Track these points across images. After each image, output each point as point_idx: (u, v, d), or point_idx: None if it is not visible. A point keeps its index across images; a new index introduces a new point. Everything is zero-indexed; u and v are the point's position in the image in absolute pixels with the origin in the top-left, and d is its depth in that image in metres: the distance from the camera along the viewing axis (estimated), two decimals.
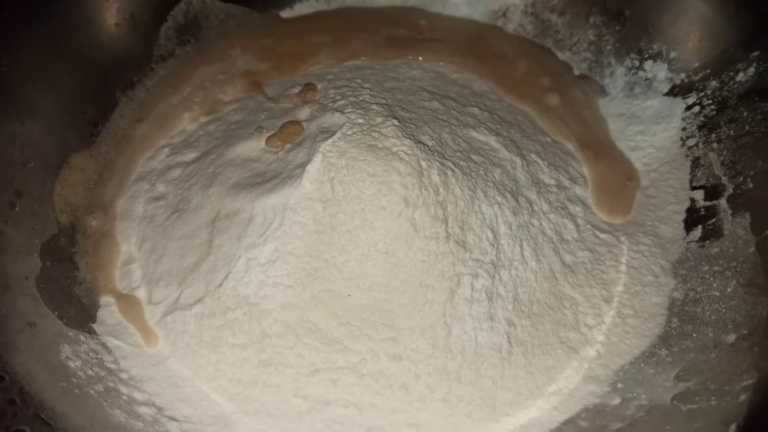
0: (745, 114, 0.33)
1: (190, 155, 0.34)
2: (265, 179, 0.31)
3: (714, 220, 0.33)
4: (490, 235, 0.30)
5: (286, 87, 0.38)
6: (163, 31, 0.38)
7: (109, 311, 0.29)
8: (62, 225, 0.31)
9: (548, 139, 0.37)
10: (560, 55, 0.41)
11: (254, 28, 0.41)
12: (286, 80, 0.39)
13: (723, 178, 0.33)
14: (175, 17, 0.38)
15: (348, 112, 0.32)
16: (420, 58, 0.40)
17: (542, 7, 0.41)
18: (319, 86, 0.37)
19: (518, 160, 0.34)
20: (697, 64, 0.36)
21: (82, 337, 0.26)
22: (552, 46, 0.41)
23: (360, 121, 0.31)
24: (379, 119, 0.31)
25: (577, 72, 0.41)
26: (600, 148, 0.38)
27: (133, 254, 0.31)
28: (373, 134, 0.30)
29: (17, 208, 0.29)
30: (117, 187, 0.34)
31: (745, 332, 0.26)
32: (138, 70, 0.37)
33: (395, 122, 0.31)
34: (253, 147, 0.33)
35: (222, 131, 0.35)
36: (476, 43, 0.41)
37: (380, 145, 0.30)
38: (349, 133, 0.30)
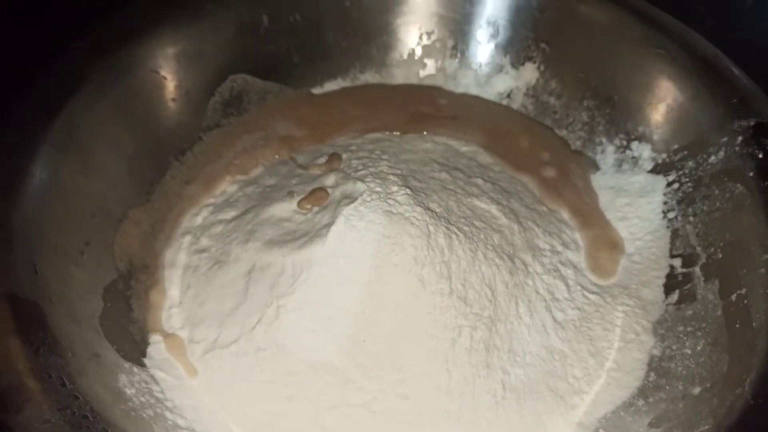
0: (716, 192, 0.37)
1: (231, 213, 0.39)
2: (296, 237, 0.36)
3: (689, 285, 0.37)
4: (489, 293, 0.35)
5: (315, 155, 0.43)
6: (211, 105, 0.44)
7: (157, 348, 0.33)
8: (120, 271, 0.36)
9: (545, 207, 0.42)
10: (558, 132, 0.46)
11: (292, 100, 0.47)
12: (314, 149, 0.45)
13: (698, 248, 0.37)
14: (222, 93, 0.45)
15: (368, 181, 0.37)
16: (435, 133, 0.45)
17: (542, 90, 0.47)
18: (344, 156, 0.42)
19: (516, 227, 0.38)
20: (676, 146, 0.40)
21: (135, 369, 0.31)
22: (551, 124, 0.47)
23: (378, 189, 0.36)
24: (395, 188, 0.36)
25: (573, 147, 0.46)
26: (591, 217, 0.42)
27: (178, 299, 0.36)
28: (389, 201, 0.35)
29: (85, 255, 0.34)
30: (166, 239, 0.39)
31: (708, 385, 0.30)
32: (188, 138, 0.43)
33: (408, 191, 0.36)
34: (285, 208, 0.38)
35: (258, 193, 0.41)
36: (486, 119, 0.47)
37: (394, 211, 0.35)
38: (368, 199, 0.35)
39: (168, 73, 0.42)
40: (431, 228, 0.34)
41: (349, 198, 0.36)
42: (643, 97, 0.42)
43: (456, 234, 0.35)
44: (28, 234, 0.31)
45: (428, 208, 0.35)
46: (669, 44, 0.41)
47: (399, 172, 0.39)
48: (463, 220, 0.37)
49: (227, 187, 0.42)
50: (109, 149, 0.38)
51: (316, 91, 0.49)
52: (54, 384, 0.26)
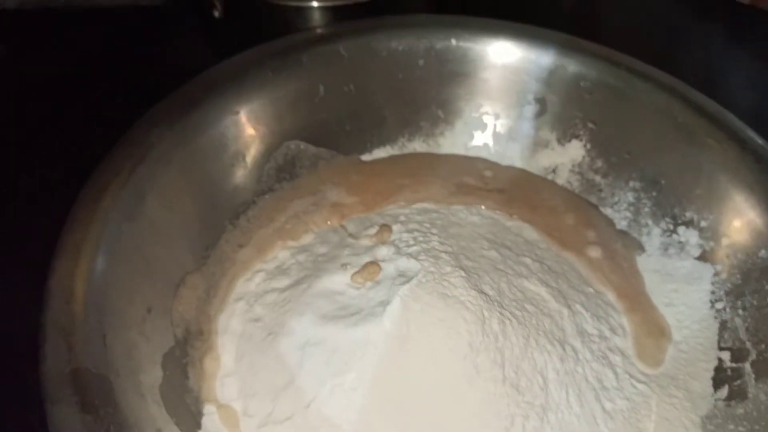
0: (767, 287, 0.38)
1: (284, 282, 0.40)
2: (350, 312, 0.36)
3: (739, 381, 0.37)
4: (540, 380, 0.35)
5: (365, 225, 0.44)
6: (266, 170, 0.45)
7: (211, 419, 0.34)
8: (177, 338, 0.36)
9: (591, 289, 0.42)
10: (603, 210, 0.47)
11: (342, 167, 0.48)
12: (364, 217, 0.46)
13: (747, 343, 0.38)
14: (276, 158, 0.46)
15: (421, 260, 0.38)
16: (482, 207, 0.46)
17: (587, 168, 0.48)
18: (394, 227, 0.43)
19: (565, 311, 0.39)
20: (725, 237, 0.41)
21: None
22: (596, 202, 0.47)
23: (432, 269, 0.37)
24: (448, 268, 0.37)
25: (618, 227, 0.46)
26: (637, 301, 0.42)
27: (232, 368, 0.37)
28: (444, 283, 0.36)
29: (147, 323, 0.35)
30: (220, 304, 0.40)
31: None
32: (243, 202, 0.44)
33: (462, 273, 0.37)
34: (338, 281, 0.39)
35: (311, 262, 0.41)
36: (531, 194, 0.48)
37: (450, 294, 0.35)
38: (424, 280, 0.36)
39: (229, 140, 0.43)
40: (486, 313, 0.35)
41: (404, 276, 0.37)
42: (690, 185, 0.43)
43: (509, 319, 0.35)
44: (99, 305, 0.31)
45: (482, 291, 0.36)
46: (719, 134, 0.41)
47: (450, 249, 0.40)
48: (514, 303, 0.37)
49: (279, 252, 0.43)
50: (172, 214, 0.39)
51: (366, 157, 0.50)
52: None
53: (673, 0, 0.70)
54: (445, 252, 0.39)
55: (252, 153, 0.45)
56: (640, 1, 0.72)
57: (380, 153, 0.50)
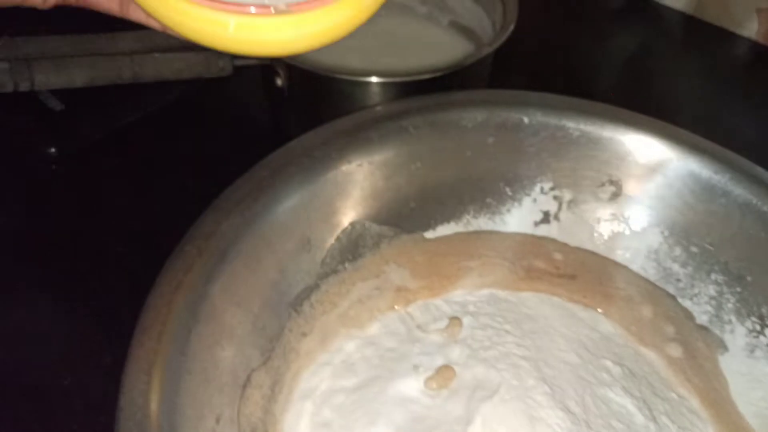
0: None
1: (352, 380, 0.38)
2: (426, 427, 0.34)
3: None
4: None
5: (432, 314, 0.43)
6: (329, 251, 0.44)
7: None
8: None
9: (674, 395, 0.40)
10: (682, 302, 0.45)
11: (406, 246, 0.46)
12: (430, 303, 0.44)
13: None
14: (341, 239, 0.44)
15: (501, 369, 0.36)
16: (554, 296, 0.44)
17: (665, 256, 0.45)
18: (464, 321, 0.41)
19: (652, 426, 0.36)
20: None
21: None
22: (674, 292, 0.45)
23: (514, 382, 0.35)
24: (531, 381, 0.35)
25: (698, 321, 0.44)
26: (723, 409, 0.40)
27: None
28: (528, 401, 0.34)
29: None
30: (285, 402, 0.38)
31: None
32: (307, 287, 0.42)
33: (547, 388, 0.35)
34: (411, 386, 0.37)
35: (379, 358, 0.40)
36: (604, 281, 0.46)
37: (536, 415, 0.33)
38: (507, 398, 0.34)
39: (294, 223, 0.42)
40: None
41: (483, 389, 0.35)
42: None
43: None
44: (171, 425, 0.30)
45: (568, 410, 0.34)
46: None
47: (528, 353, 0.38)
48: (600, 421, 0.35)
49: (344, 343, 0.41)
50: (238, 310, 0.38)
51: (429, 234, 0.48)
52: None
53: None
54: (524, 358, 0.37)
55: (317, 235, 0.43)
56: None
57: (444, 230, 0.48)
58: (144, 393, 0.30)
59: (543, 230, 0.49)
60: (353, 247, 0.46)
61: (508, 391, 0.34)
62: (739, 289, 0.43)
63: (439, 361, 0.38)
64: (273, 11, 0.25)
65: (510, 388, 0.34)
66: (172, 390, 0.31)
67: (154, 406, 0.30)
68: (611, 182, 0.47)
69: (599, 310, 0.44)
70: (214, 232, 0.37)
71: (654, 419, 0.37)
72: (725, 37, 0.75)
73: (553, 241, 0.49)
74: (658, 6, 0.78)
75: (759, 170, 0.43)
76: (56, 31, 0.50)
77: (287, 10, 0.25)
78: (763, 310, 0.41)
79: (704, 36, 0.75)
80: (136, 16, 0.28)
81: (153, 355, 0.32)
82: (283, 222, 0.41)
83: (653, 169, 0.45)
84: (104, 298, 0.47)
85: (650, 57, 0.73)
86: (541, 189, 0.48)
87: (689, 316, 0.44)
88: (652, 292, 0.45)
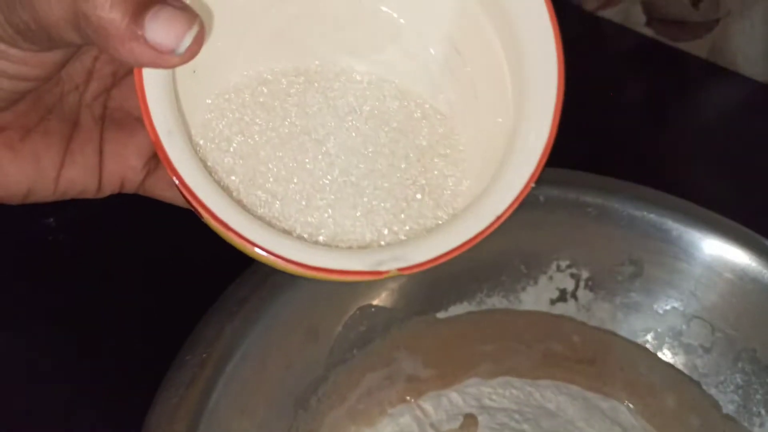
0: None
1: None
2: None
3: None
4: None
5: (446, 410, 0.41)
6: (337, 340, 0.42)
7: None
8: None
9: None
10: (706, 390, 0.43)
11: (417, 329, 0.44)
12: (443, 393, 0.42)
13: None
14: (348, 325, 0.43)
15: None
16: (572, 384, 0.42)
17: (688, 340, 0.43)
18: (480, 419, 0.39)
19: None
20: None
21: None
22: (698, 378, 0.43)
23: None
24: None
25: (724, 411, 0.42)
26: None
27: None
28: None
29: None
30: None
31: None
32: (315, 379, 0.41)
33: None
34: None
35: None
36: (626, 366, 0.44)
37: None
38: None
39: (299, 314, 0.40)
40: None
41: None
42: None
43: None
44: None
45: None
46: None
47: None
48: None
49: None
50: (242, 417, 0.36)
51: (441, 315, 0.46)
52: None
53: None
54: None
55: (326, 323, 0.42)
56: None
57: (456, 310, 0.46)
58: None
59: (560, 309, 0.47)
60: (362, 333, 0.44)
61: None
62: None
63: None
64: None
65: None
66: None
67: None
68: (632, 261, 0.45)
69: (621, 399, 0.42)
70: (217, 337, 0.36)
71: None
72: None
73: (571, 320, 0.46)
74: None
75: None
76: None
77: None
78: None
79: None
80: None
81: None
82: (287, 315, 0.40)
83: (676, 252, 0.43)
84: (112, 380, 0.45)
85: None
86: (558, 266, 0.46)
87: (715, 405, 0.42)
88: (676, 378, 0.43)
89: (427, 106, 0.27)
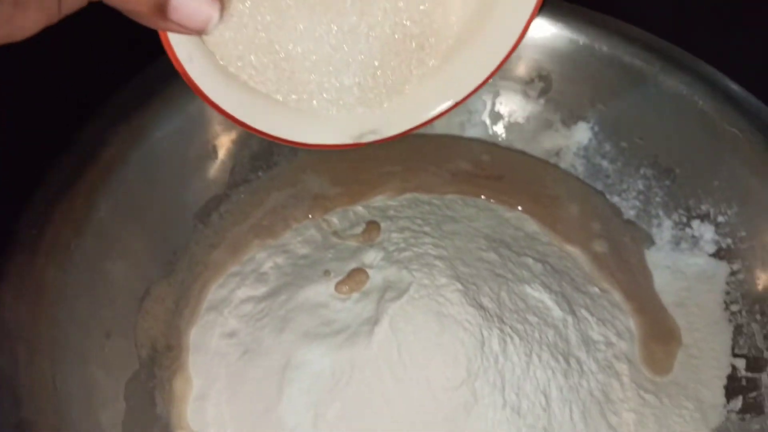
0: None
1: (261, 290, 0.36)
2: (334, 330, 0.33)
3: (755, 394, 0.34)
4: (543, 400, 0.32)
5: (351, 221, 0.40)
6: (239, 159, 0.41)
7: None
8: (142, 359, 0.33)
9: (596, 289, 0.39)
10: (610, 198, 0.43)
11: (325, 152, 0.43)
12: (349, 210, 0.42)
13: (765, 351, 0.35)
14: (251, 145, 0.41)
15: (413, 269, 0.34)
16: (481, 197, 0.42)
17: (594, 152, 0.44)
18: (382, 225, 0.39)
19: (570, 318, 0.35)
20: (743, 233, 0.37)
21: None
22: (602, 189, 0.43)
23: (425, 281, 0.33)
24: (443, 280, 0.33)
25: (625, 216, 0.43)
26: (645, 301, 0.39)
27: (205, 390, 0.33)
28: (438, 299, 0.32)
29: (106, 349, 0.31)
30: (191, 316, 0.36)
31: None
32: (215, 197, 0.40)
33: (459, 285, 0.33)
34: (321, 292, 0.35)
35: (291, 266, 0.38)
36: (532, 181, 0.44)
37: (445, 312, 0.32)
38: (416, 296, 0.32)
39: (196, 128, 0.39)
40: (485, 332, 0.31)
41: (394, 290, 0.33)
42: (708, 176, 0.39)
43: (510, 336, 0.32)
44: (51, 341, 0.28)
45: (481, 306, 0.33)
46: (745, 123, 0.37)
47: (445, 253, 0.36)
48: (516, 315, 0.34)
49: (256, 253, 0.39)
50: (131, 222, 0.35)
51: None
52: None
53: None
54: (440, 258, 0.35)
55: (223, 141, 0.40)
56: None
57: None
58: (11, 307, 0.28)
59: (471, 131, 0.47)
60: (267, 155, 0.43)
61: (417, 291, 0.33)
62: (667, 183, 0.41)
63: (352, 266, 0.36)
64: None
65: (420, 287, 0.33)
66: (49, 308, 0.29)
67: (26, 325, 0.28)
68: (540, 77, 0.44)
69: (521, 208, 0.42)
70: (97, 139, 0.34)
71: (572, 312, 0.36)
72: None
73: (482, 142, 0.46)
74: None
75: (695, 61, 0.41)
76: None
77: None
78: (690, 202, 0.40)
79: None
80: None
81: (25, 270, 0.29)
82: (181, 126, 0.38)
83: (585, 63, 0.42)
84: None
85: None
86: None
87: (617, 212, 0.43)
88: (581, 189, 0.44)
89: None
